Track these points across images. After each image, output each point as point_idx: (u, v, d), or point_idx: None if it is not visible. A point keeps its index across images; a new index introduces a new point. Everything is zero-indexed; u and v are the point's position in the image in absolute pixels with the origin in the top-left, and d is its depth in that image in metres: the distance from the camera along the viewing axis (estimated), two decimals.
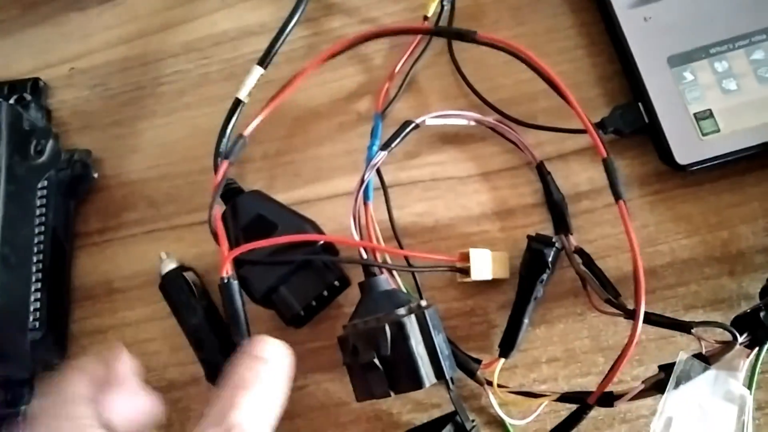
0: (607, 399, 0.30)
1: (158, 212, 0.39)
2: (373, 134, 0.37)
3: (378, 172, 0.36)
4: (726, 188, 0.35)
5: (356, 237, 0.34)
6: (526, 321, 0.33)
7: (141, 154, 0.41)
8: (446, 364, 0.29)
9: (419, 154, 0.38)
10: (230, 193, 0.36)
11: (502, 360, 0.33)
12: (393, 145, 0.35)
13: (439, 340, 0.29)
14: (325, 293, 0.33)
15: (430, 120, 0.36)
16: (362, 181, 0.34)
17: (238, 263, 0.32)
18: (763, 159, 0.35)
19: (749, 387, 0.30)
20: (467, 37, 0.36)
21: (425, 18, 0.39)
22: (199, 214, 0.38)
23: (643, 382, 0.30)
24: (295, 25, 0.39)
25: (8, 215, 0.36)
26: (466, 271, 0.33)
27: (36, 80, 0.42)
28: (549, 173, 0.36)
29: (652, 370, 0.30)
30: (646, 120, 0.35)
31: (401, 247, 0.36)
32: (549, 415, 0.33)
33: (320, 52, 0.38)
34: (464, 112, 0.37)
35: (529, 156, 0.36)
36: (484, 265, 0.33)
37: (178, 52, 0.42)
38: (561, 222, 0.35)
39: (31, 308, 0.35)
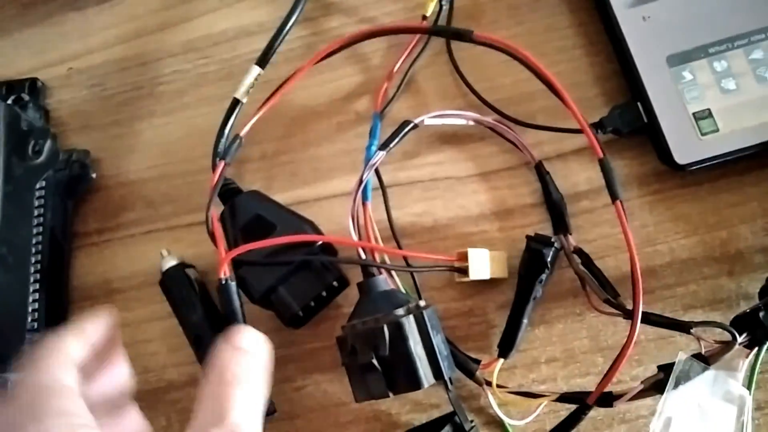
0: (607, 399, 0.30)
1: (157, 212, 0.39)
2: (372, 134, 0.37)
3: (376, 172, 0.36)
4: (725, 188, 0.35)
5: (355, 237, 0.33)
6: (525, 321, 0.33)
7: (139, 154, 0.41)
8: (445, 365, 0.29)
9: (418, 154, 0.38)
10: (228, 193, 0.36)
11: (501, 360, 0.33)
12: (391, 145, 0.35)
13: (437, 341, 0.29)
14: (324, 294, 0.33)
15: (428, 120, 0.36)
16: (361, 181, 0.34)
17: (236, 264, 0.32)
18: (762, 159, 0.35)
19: (748, 387, 0.30)
20: (465, 36, 0.35)
21: (424, 17, 0.39)
22: (197, 215, 0.38)
23: (642, 382, 0.30)
24: (293, 24, 0.39)
25: (6, 215, 0.36)
26: (464, 271, 0.33)
27: (34, 80, 0.42)
28: (548, 173, 0.36)
29: (652, 370, 0.30)
30: (645, 120, 0.35)
31: (400, 247, 0.36)
32: (548, 415, 0.33)
33: (318, 51, 0.38)
34: (463, 111, 0.37)
35: (527, 156, 0.36)
36: (482, 264, 0.33)
37: (177, 52, 0.42)
38: (560, 222, 0.35)
39: (30, 309, 0.36)
